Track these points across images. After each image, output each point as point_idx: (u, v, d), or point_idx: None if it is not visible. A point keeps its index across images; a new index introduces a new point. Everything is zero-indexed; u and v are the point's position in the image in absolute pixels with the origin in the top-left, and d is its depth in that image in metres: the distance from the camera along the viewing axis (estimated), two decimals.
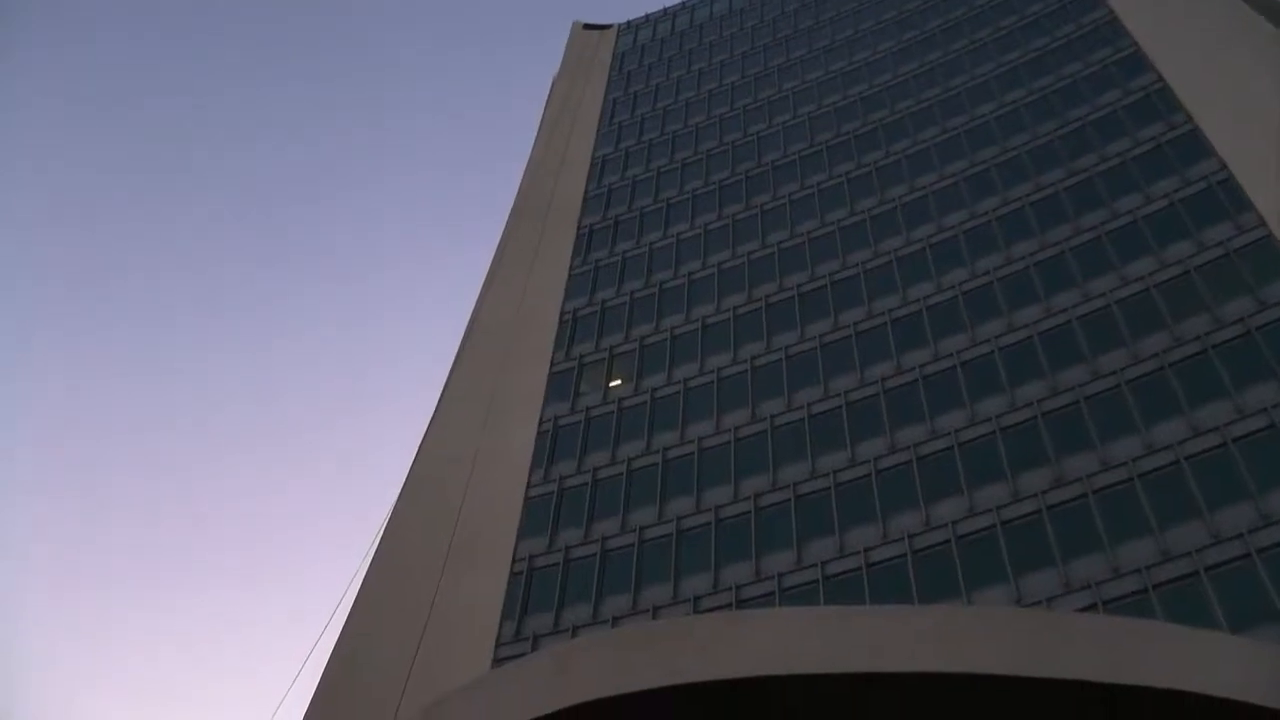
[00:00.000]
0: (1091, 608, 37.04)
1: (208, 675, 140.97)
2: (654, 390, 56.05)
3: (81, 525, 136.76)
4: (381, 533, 52.68)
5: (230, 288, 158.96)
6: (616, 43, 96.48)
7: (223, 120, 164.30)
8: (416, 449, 57.68)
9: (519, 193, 78.52)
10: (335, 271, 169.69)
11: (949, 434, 46.41)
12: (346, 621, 47.42)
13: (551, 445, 54.93)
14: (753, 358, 55.44)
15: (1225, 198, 49.22)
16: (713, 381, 55.06)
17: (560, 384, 58.99)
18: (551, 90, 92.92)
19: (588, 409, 56.47)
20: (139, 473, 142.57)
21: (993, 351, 49.22)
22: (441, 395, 61.28)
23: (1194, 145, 52.83)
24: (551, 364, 60.42)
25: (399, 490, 54.91)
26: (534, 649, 43.70)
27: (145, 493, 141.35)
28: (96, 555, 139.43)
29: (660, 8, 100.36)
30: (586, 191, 75.06)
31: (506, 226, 74.77)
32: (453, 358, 64.36)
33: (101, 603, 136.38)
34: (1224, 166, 50.47)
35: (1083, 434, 43.48)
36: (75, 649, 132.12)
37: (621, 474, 51.72)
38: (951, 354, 50.21)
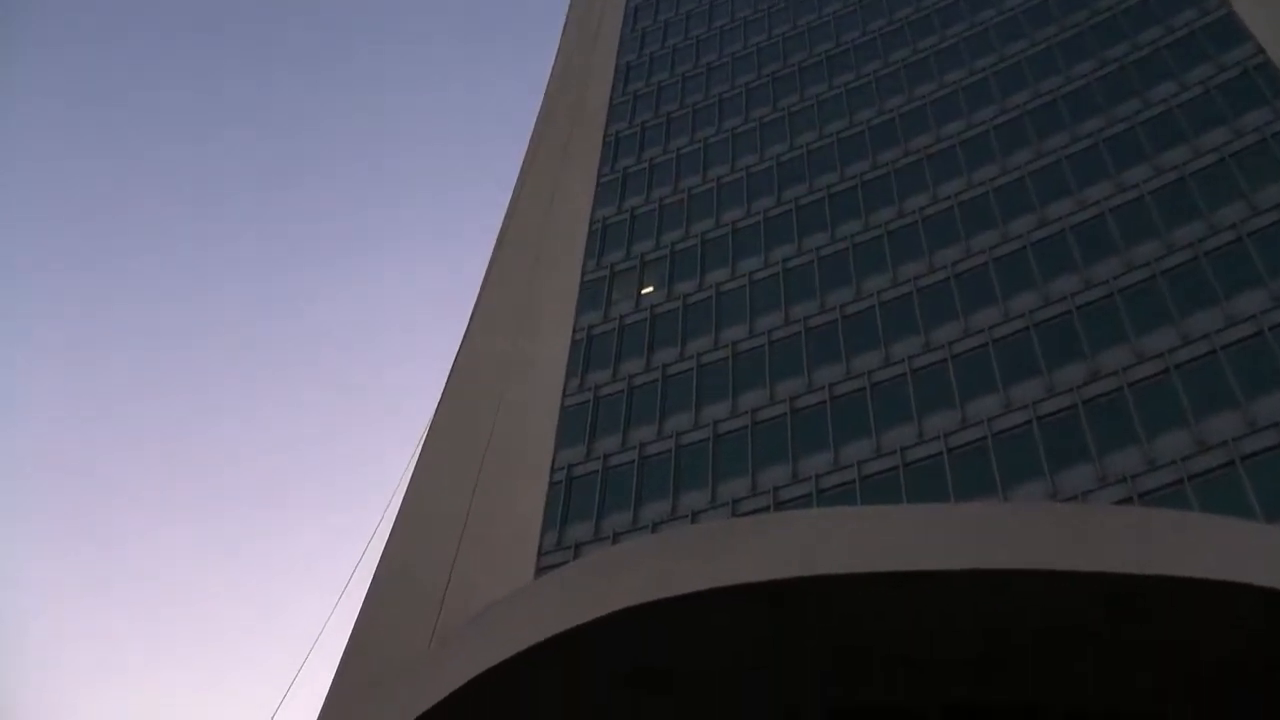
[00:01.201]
0: (1127, 501, 37.15)
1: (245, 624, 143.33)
2: (686, 296, 56.09)
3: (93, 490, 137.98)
4: (419, 451, 53.24)
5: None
6: None
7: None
8: (451, 365, 58.06)
9: (544, 103, 78.07)
10: (369, 195, 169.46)
11: (983, 331, 46.35)
12: (387, 543, 48.07)
13: (586, 354, 55.17)
14: (784, 260, 55.33)
15: (1262, 82, 48.52)
16: (745, 285, 55.03)
17: (592, 293, 59.08)
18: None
19: (621, 317, 56.60)
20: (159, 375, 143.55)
21: (1025, 247, 48.96)
22: (473, 310, 61.49)
23: (1229, 30, 51.99)
24: (583, 273, 60.46)
25: (433, 409, 55.40)
26: (575, 557, 44.25)
27: (163, 423, 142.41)
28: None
29: None
30: (612, 99, 74.53)
31: (533, 137, 74.46)
32: (480, 279, 64.47)
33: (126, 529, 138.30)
34: (1260, 51, 49.70)
35: (1117, 327, 43.34)
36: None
37: (657, 380, 51.94)
38: (984, 250, 49.99)
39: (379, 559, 47.26)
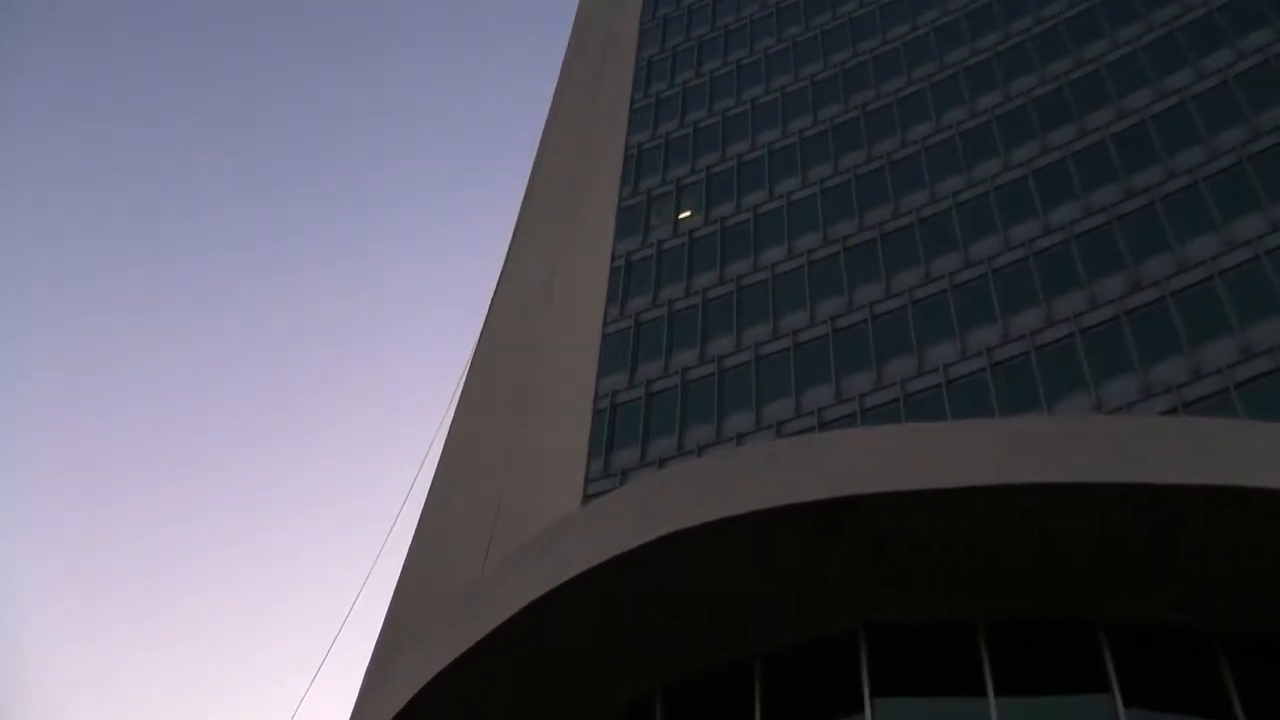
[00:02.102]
0: (1173, 411, 37.11)
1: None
2: (724, 219, 56.01)
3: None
4: (462, 385, 53.64)
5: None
6: None
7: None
8: (490, 299, 58.32)
9: (573, 34, 77.63)
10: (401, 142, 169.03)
11: (1023, 244, 46.12)
12: (432, 482, 48.59)
13: (625, 281, 55.27)
14: (821, 180, 55.10)
15: None
16: (783, 206, 54.89)
17: (629, 219, 59.07)
18: None
19: (659, 242, 56.61)
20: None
21: (1065, 158, 48.55)
22: (511, 242, 61.64)
23: None
24: (619, 200, 60.42)
25: (474, 343, 55.73)
26: (622, 484, 44.65)
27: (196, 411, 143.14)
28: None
29: None
30: (642, 23, 74.03)
31: (563, 69, 74.14)
32: (516, 213, 64.53)
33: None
34: None
35: (1160, 235, 43.03)
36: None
37: (697, 305, 52.03)
38: (1023, 163, 49.61)
39: (425, 498, 47.87)
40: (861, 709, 21.21)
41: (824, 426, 43.71)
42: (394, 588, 43.93)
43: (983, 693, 20.90)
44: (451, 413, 52.34)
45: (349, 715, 35.40)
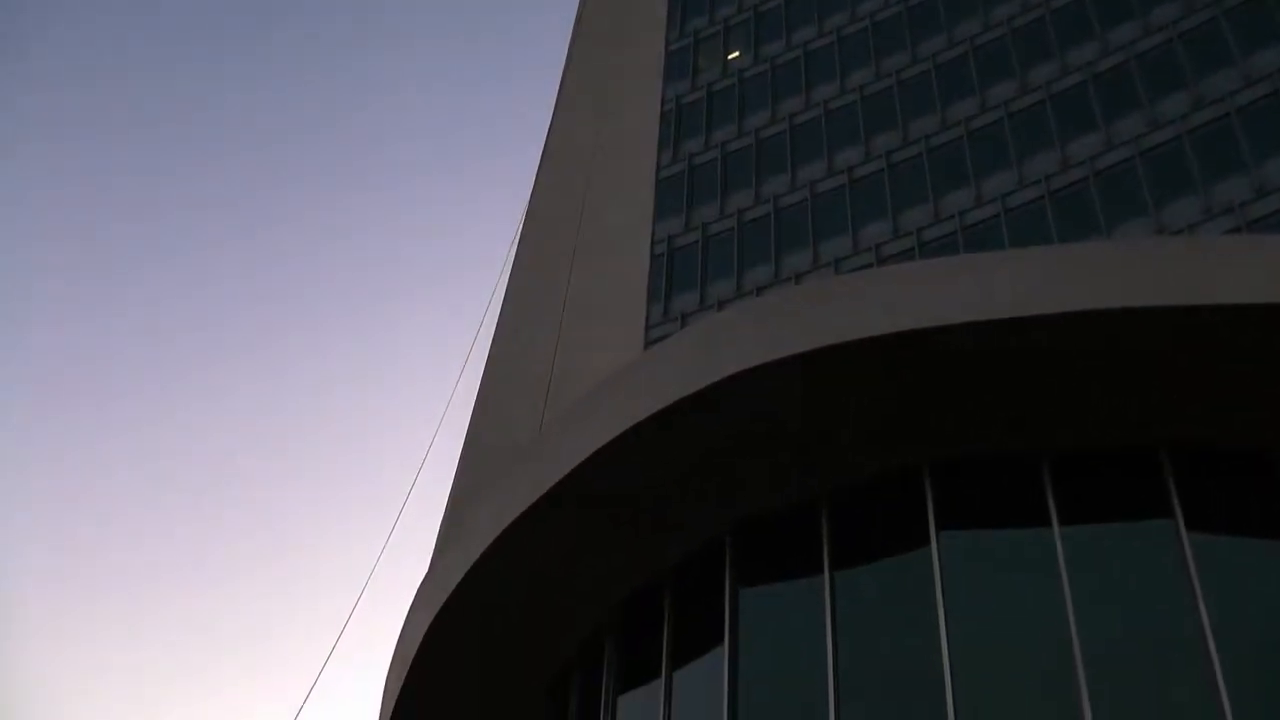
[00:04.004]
0: (1236, 230, 36.63)
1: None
2: (774, 58, 55.15)
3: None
4: (518, 238, 53.74)
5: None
6: None
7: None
8: (541, 152, 58.05)
9: None
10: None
11: (1082, 67, 45.15)
12: (493, 337, 48.97)
13: (676, 124, 54.80)
14: (872, 14, 53.98)
15: None
16: (833, 42, 53.92)
17: (677, 63, 58.31)
18: None
19: (709, 84, 55.94)
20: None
21: None
22: (558, 96, 61.12)
23: None
24: (666, 44, 59.60)
25: (527, 196, 55.62)
26: (683, 328, 44.87)
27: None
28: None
29: None
30: None
31: None
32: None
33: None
34: None
35: (1224, 50, 41.97)
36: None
37: (750, 145, 51.59)
38: None
39: (486, 355, 48.29)
40: (928, 542, 21.53)
41: (882, 262, 43.55)
42: (461, 447, 44.68)
43: (1047, 523, 21.14)
44: (508, 271, 52.58)
45: (420, 581, 36.28)
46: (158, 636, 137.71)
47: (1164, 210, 38.96)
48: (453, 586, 24.22)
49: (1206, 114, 40.61)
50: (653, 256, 48.74)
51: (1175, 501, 20.71)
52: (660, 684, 23.06)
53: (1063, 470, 21.75)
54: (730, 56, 57.01)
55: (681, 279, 47.48)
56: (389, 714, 26.81)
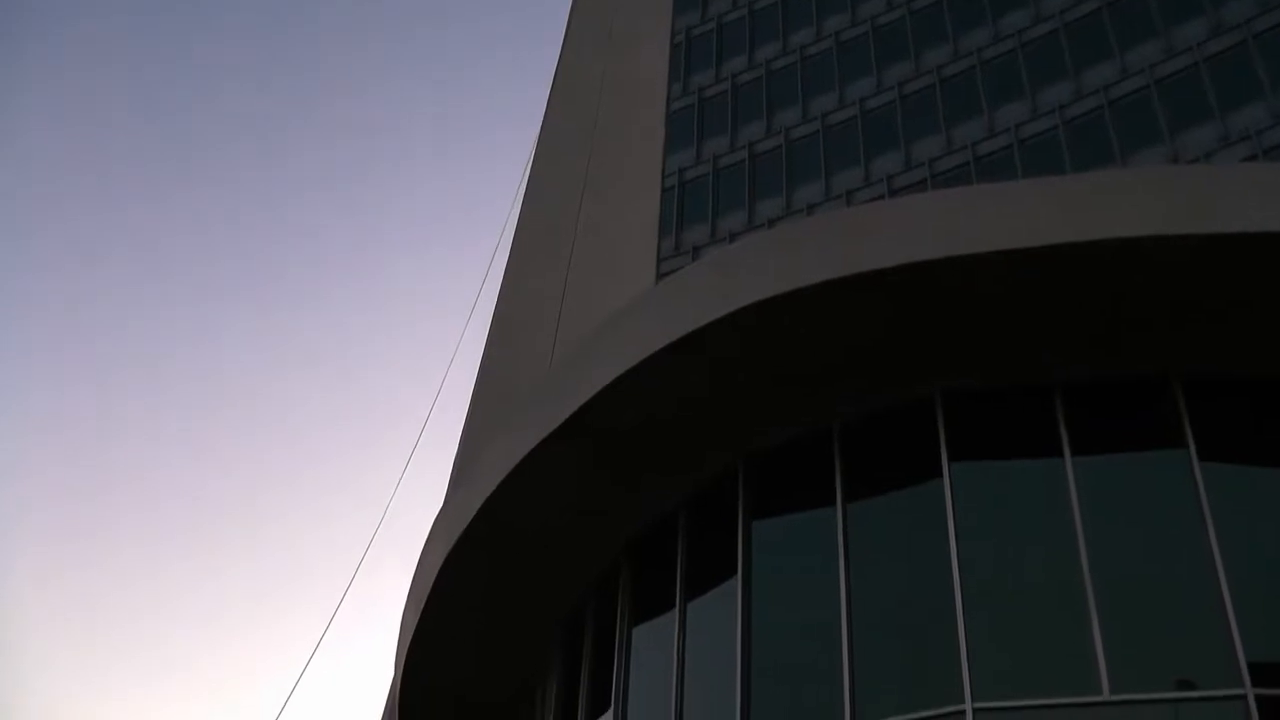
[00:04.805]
0: (1253, 158, 36.34)
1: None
2: None
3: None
4: (528, 173, 53.51)
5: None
6: None
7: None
8: (550, 87, 57.68)
9: None
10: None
11: None
12: (504, 274, 48.89)
13: (686, 56, 54.36)
14: None
15: None
16: None
17: None
18: None
19: (719, 16, 55.41)
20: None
21: None
22: (566, 29, 60.62)
23: None
24: None
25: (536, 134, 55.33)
26: (694, 260, 44.74)
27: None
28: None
29: None
30: None
31: None
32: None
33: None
34: None
35: None
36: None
37: (761, 76, 51.18)
38: None
39: (498, 291, 48.24)
40: (940, 473, 21.54)
41: (894, 194, 43.32)
42: (474, 380, 44.81)
43: (1059, 453, 21.13)
44: (518, 207, 52.45)
45: (434, 517, 36.45)
46: (168, 588, 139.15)
47: (1179, 138, 38.65)
48: (468, 519, 24.30)
49: (1223, 40, 40.17)
50: (663, 190, 48.55)
51: (1188, 430, 20.68)
52: (674, 614, 23.20)
53: (1075, 400, 21.70)
54: None
55: (692, 212, 47.31)
56: (406, 646, 27.05)
